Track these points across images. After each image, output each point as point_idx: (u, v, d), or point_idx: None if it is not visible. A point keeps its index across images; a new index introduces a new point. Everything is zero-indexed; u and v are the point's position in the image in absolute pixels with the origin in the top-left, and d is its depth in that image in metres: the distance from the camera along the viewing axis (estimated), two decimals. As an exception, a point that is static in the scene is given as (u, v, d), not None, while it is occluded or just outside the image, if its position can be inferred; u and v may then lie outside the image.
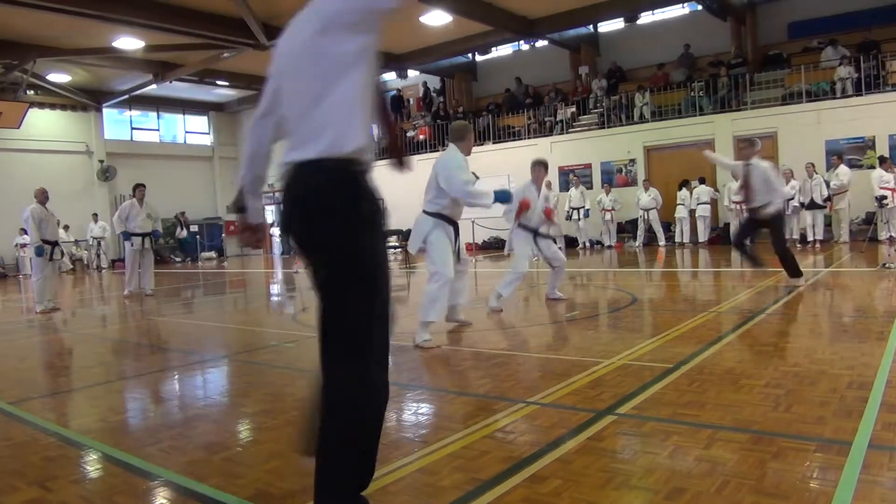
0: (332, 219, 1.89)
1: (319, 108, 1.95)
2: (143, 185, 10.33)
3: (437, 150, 20.05)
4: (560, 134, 17.85)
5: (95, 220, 19.21)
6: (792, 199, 13.01)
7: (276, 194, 25.08)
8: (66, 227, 17.56)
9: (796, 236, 13.16)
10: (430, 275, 5.03)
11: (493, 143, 18.91)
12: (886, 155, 12.59)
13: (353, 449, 1.94)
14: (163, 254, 21.33)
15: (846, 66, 14.00)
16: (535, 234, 6.86)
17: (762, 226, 7.43)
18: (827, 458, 2.38)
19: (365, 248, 1.90)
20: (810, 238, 12.85)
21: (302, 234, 1.98)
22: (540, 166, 7.00)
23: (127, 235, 10.21)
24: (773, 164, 7.54)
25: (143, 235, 10.15)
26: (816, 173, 12.76)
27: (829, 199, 12.70)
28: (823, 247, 12.36)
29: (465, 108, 20.91)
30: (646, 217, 15.21)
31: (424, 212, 5.14)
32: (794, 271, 7.20)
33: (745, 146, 7.33)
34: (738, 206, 13.79)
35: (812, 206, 12.78)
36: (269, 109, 2.17)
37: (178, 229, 18.74)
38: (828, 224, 13.42)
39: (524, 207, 6.61)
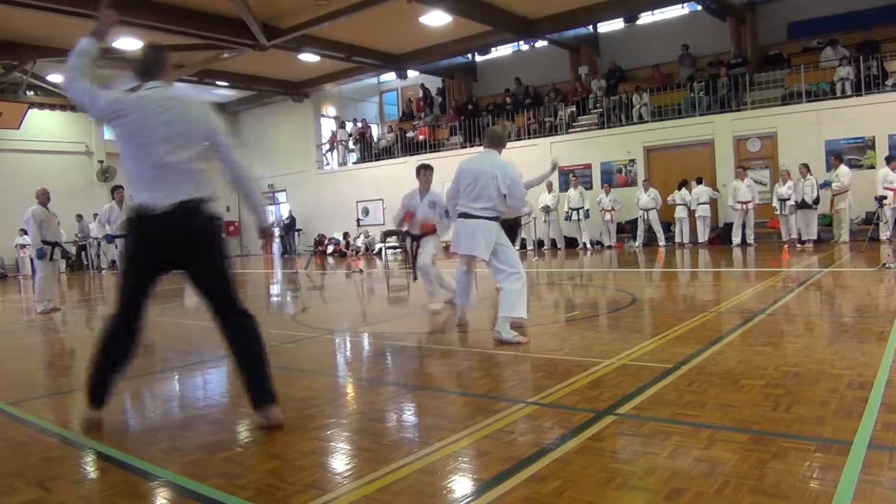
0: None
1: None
2: (122, 187, 10.31)
3: (440, 150, 20.07)
4: (560, 134, 17.85)
5: (96, 220, 19.22)
6: (788, 199, 13.03)
7: (275, 195, 25.05)
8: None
9: (795, 236, 13.16)
10: (510, 275, 5.03)
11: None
12: (888, 154, 12.59)
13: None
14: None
15: (846, 67, 14.01)
16: (415, 239, 6.88)
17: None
18: (827, 458, 2.38)
19: None
20: (804, 238, 12.85)
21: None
22: (426, 171, 6.84)
23: (110, 238, 10.21)
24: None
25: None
26: (810, 174, 12.77)
27: (817, 200, 12.67)
28: (818, 247, 12.36)
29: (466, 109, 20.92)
30: (645, 217, 15.21)
31: (482, 217, 5.09)
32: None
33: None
34: (743, 206, 13.80)
35: (804, 206, 12.78)
36: None
37: None
38: (828, 224, 13.42)
39: (408, 217, 6.80)
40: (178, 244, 3.05)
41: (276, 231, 22.82)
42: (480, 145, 19.81)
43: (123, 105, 3.00)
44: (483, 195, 5.07)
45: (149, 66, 3.16)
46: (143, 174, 3.02)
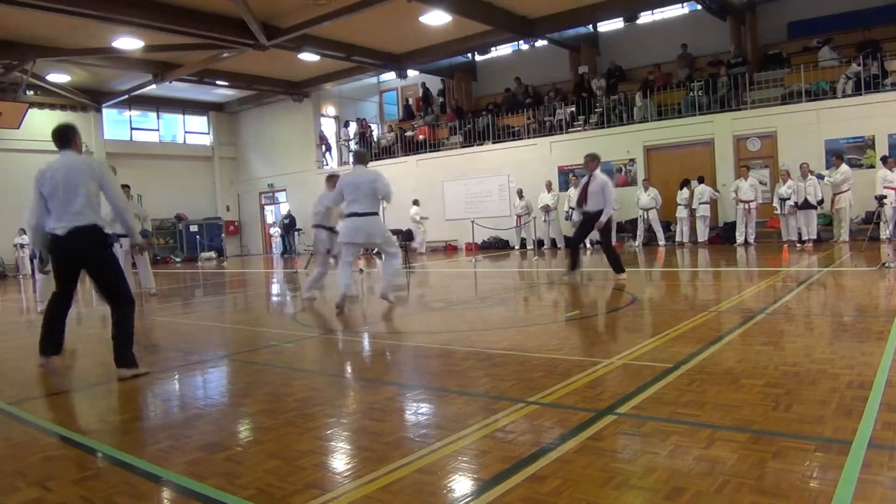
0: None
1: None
2: (128, 186, 10.29)
3: (439, 150, 20.09)
4: (559, 134, 17.85)
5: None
6: (787, 199, 13.03)
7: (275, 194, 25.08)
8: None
9: (794, 237, 13.16)
10: (396, 254, 7.48)
11: (493, 142, 18.93)
12: (887, 154, 12.59)
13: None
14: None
15: (853, 63, 13.93)
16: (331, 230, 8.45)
17: (593, 228, 8.69)
18: (827, 457, 2.38)
19: None
20: (805, 237, 12.85)
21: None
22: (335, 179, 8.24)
23: (115, 237, 10.19)
24: (609, 178, 8.93)
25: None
26: (811, 174, 12.78)
27: (822, 200, 12.69)
28: (818, 246, 12.36)
29: (465, 108, 20.94)
30: (645, 217, 15.20)
31: (372, 214, 7.00)
32: (618, 268, 8.51)
33: (589, 160, 8.48)
34: (745, 205, 13.79)
35: (805, 206, 12.78)
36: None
37: None
38: (828, 223, 13.42)
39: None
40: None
41: (275, 231, 22.77)
42: (480, 144, 19.93)
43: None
44: (368, 196, 6.92)
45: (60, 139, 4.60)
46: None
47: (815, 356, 3.88)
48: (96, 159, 4.84)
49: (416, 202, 18.25)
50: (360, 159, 7.40)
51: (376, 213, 7.06)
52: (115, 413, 3.70)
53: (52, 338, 4.77)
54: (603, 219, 8.29)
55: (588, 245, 16.11)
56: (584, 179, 8.49)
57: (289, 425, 3.13)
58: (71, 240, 4.39)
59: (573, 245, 9.39)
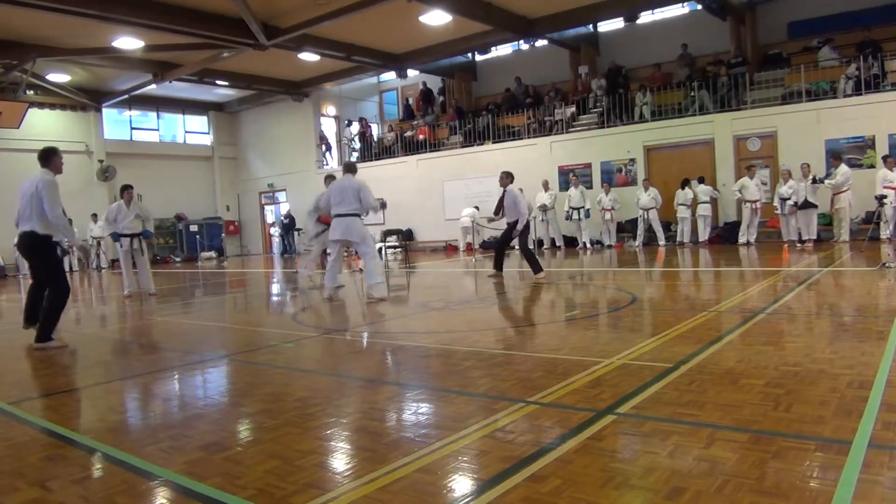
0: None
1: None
2: (131, 187, 10.28)
3: (439, 150, 20.10)
4: (560, 133, 17.85)
5: (95, 220, 19.20)
6: (788, 199, 13.00)
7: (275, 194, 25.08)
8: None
9: (794, 237, 13.16)
10: (373, 255, 8.09)
11: (493, 142, 18.92)
12: (887, 154, 12.58)
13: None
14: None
15: (854, 64, 13.92)
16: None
17: (512, 234, 9.62)
18: (827, 457, 2.38)
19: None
20: (805, 237, 12.84)
21: None
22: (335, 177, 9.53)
23: (116, 236, 10.21)
24: (520, 190, 10.18)
25: (132, 236, 10.13)
26: (811, 174, 12.78)
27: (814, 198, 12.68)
28: (818, 246, 12.36)
29: (465, 108, 20.95)
30: (645, 217, 15.20)
31: (352, 215, 7.91)
32: (536, 269, 9.16)
33: (504, 177, 9.52)
34: (752, 205, 13.75)
35: (806, 205, 12.77)
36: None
37: None
38: (828, 223, 13.41)
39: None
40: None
41: (275, 231, 22.75)
42: (480, 144, 19.93)
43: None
44: (348, 201, 7.85)
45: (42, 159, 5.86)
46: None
47: (815, 356, 3.88)
48: (43, 178, 5.72)
49: (476, 208, 18.02)
50: (349, 169, 8.35)
51: (357, 215, 7.98)
52: (115, 413, 3.70)
53: (29, 313, 6.31)
54: (519, 227, 9.34)
55: (588, 245, 16.16)
56: (501, 194, 9.53)
57: (289, 425, 3.13)
58: (21, 241, 5.89)
59: (498, 248, 10.26)
